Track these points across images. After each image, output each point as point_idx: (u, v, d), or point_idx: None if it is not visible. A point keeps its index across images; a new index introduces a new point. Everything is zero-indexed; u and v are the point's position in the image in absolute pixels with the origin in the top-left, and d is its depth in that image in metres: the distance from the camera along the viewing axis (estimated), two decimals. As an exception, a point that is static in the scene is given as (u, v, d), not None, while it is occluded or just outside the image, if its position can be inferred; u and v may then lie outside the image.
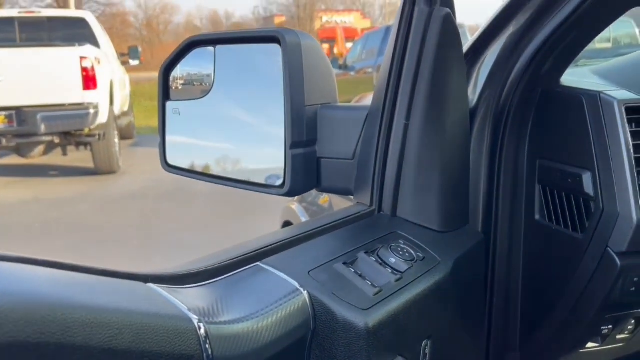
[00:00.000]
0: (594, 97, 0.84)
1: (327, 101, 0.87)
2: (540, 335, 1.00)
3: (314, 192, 1.84)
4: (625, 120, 0.81)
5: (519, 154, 0.95)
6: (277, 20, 38.52)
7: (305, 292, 0.59)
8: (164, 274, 0.53)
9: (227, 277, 0.59)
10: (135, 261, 3.88)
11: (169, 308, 0.46)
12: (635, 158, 0.80)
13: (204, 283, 0.56)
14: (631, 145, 0.80)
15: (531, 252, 0.97)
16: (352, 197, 0.89)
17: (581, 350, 0.97)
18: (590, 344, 0.96)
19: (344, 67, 10.53)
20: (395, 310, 0.62)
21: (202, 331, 0.46)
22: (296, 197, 1.94)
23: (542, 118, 0.93)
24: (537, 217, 0.96)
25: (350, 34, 23.83)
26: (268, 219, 3.06)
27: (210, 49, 0.86)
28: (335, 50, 20.60)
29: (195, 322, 0.46)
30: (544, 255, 0.96)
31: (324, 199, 2.00)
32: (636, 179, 0.79)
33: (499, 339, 1.02)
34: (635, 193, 0.79)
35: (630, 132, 0.80)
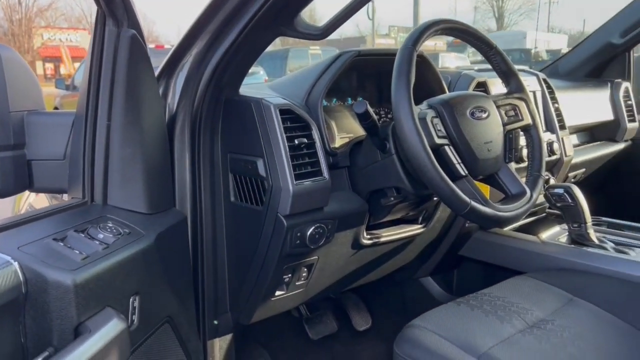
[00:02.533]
0: (258, 103, 1.11)
1: (34, 108, 0.96)
2: (243, 294, 1.24)
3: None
4: (280, 119, 1.10)
5: (214, 150, 1.18)
6: (-14, 35, 33.46)
7: (16, 262, 0.69)
8: None
9: None
10: None
11: None
12: (289, 146, 1.09)
13: None
14: (285, 137, 1.09)
15: (231, 227, 1.21)
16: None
17: (272, 299, 1.24)
18: (278, 292, 1.24)
19: (72, 88, 9.78)
20: (102, 271, 0.76)
21: None
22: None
23: (228, 120, 1.17)
24: (232, 199, 1.20)
25: (78, 54, 22.17)
26: None
27: None
28: (62, 70, 18.97)
29: None
30: (240, 228, 1.20)
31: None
32: (290, 161, 1.09)
33: (211, 305, 1.23)
34: (290, 172, 1.08)
35: (284, 127, 1.10)
